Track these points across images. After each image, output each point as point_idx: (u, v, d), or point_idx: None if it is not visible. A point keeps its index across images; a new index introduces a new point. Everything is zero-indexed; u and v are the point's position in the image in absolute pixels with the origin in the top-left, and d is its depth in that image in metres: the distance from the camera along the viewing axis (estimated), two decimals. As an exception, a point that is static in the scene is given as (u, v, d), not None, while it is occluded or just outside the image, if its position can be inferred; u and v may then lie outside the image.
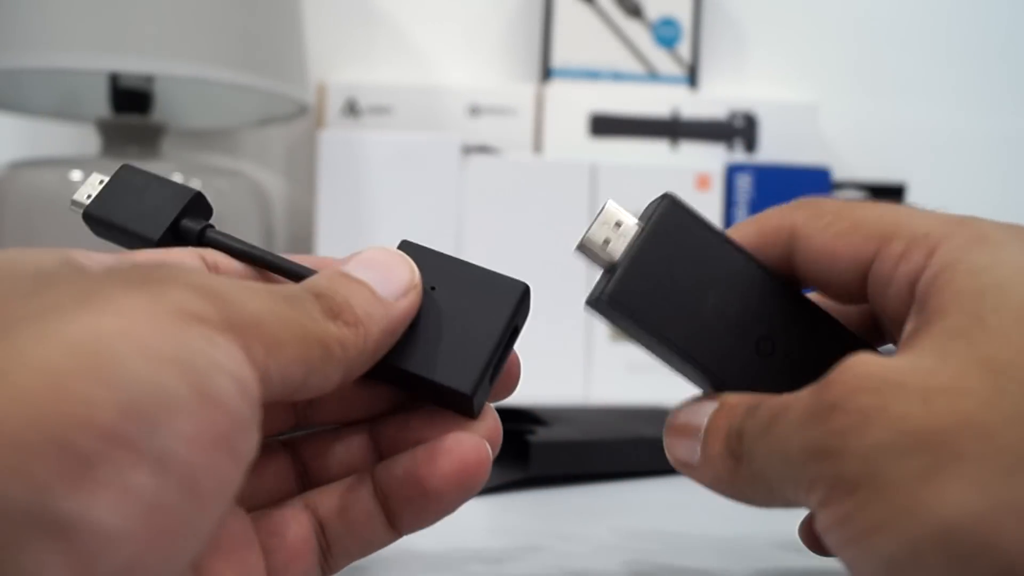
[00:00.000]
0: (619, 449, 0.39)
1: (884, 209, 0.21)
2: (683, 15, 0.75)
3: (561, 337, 0.63)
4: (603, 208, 0.22)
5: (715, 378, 0.22)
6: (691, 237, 0.22)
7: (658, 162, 0.69)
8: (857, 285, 0.21)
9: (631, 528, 0.31)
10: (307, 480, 0.22)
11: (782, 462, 0.18)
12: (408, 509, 0.20)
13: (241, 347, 0.15)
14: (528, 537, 0.30)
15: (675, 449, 0.22)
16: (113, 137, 0.62)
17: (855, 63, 0.81)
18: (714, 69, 0.78)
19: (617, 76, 0.74)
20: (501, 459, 0.40)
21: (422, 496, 0.20)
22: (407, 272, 0.20)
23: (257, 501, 0.21)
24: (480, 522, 0.32)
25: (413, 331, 0.21)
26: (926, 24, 0.81)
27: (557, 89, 0.72)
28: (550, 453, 0.37)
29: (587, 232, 0.22)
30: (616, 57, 0.74)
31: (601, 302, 0.22)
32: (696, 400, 0.22)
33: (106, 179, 0.24)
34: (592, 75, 0.74)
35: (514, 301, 0.21)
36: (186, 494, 0.14)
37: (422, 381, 0.20)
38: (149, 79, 0.62)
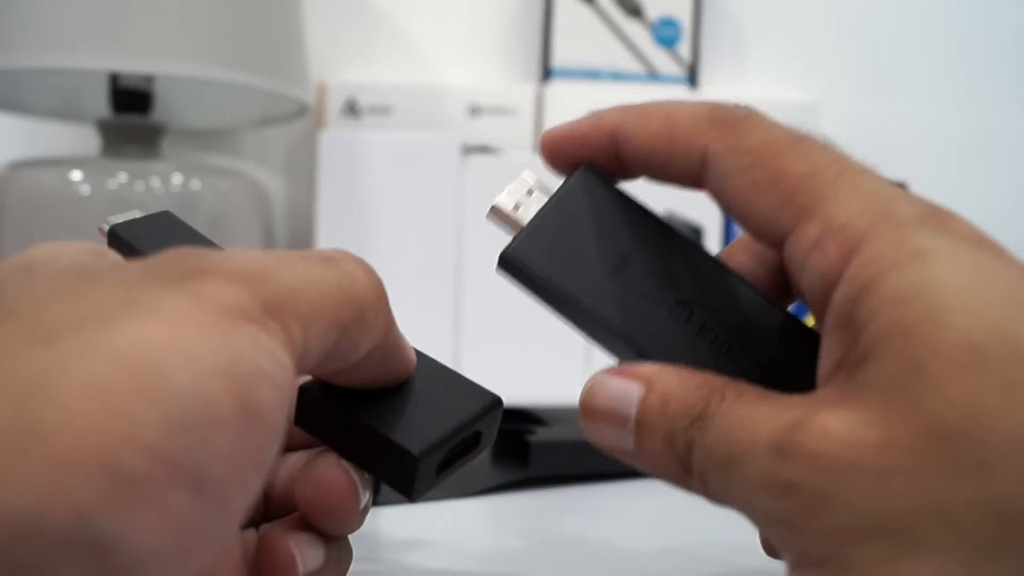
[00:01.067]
0: (619, 449, 0.39)
1: (808, 164, 0.19)
2: (683, 15, 0.75)
3: (561, 337, 0.63)
4: (519, 176, 0.22)
5: (629, 340, 0.21)
6: (603, 203, 0.21)
7: (658, 162, 0.69)
8: (771, 242, 0.19)
9: (631, 528, 0.31)
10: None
11: (744, 506, 0.17)
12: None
13: (283, 330, 0.15)
14: (528, 537, 0.30)
15: (599, 435, 0.20)
16: (113, 137, 0.62)
17: (855, 63, 0.81)
18: (714, 69, 0.78)
19: (617, 76, 0.74)
20: (501, 459, 0.40)
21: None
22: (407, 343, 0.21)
23: None
24: (480, 522, 0.32)
25: (381, 397, 0.21)
26: (926, 24, 0.81)
27: (557, 89, 0.72)
28: (550, 453, 0.37)
29: (498, 196, 0.21)
30: (616, 57, 0.74)
31: (504, 257, 0.21)
32: (614, 374, 0.20)
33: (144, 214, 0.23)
34: (592, 75, 0.74)
35: (482, 405, 0.21)
36: (217, 511, 0.14)
37: (377, 437, 0.20)
38: (149, 79, 0.62)
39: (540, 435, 0.38)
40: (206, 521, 0.14)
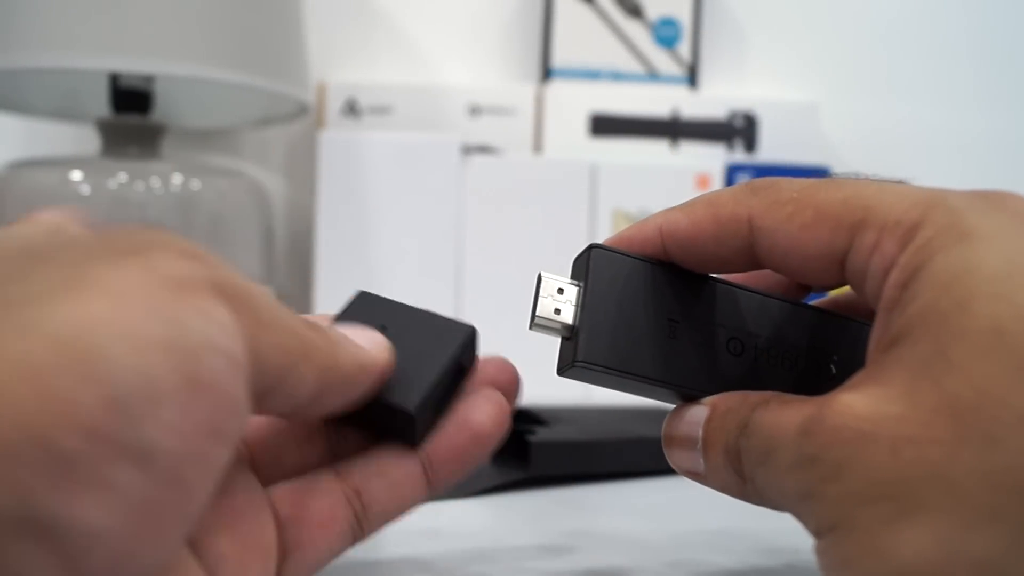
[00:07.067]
0: (619, 449, 0.39)
1: (848, 191, 0.20)
2: (683, 15, 0.75)
3: (561, 337, 0.63)
4: (539, 281, 0.22)
5: (699, 395, 0.22)
6: (627, 275, 0.22)
7: (658, 162, 0.69)
8: (834, 275, 0.20)
9: (631, 528, 0.31)
10: (342, 451, 0.22)
11: (782, 495, 0.19)
12: (449, 456, 0.21)
13: (232, 312, 0.15)
14: (528, 537, 0.30)
15: (678, 460, 0.22)
16: (113, 137, 0.62)
17: (855, 63, 0.81)
18: (714, 69, 0.78)
19: (617, 76, 0.74)
20: (501, 459, 0.40)
21: (471, 438, 0.21)
22: (379, 334, 0.21)
23: (288, 471, 0.21)
24: (480, 522, 0.32)
25: None
26: (926, 24, 0.81)
27: (557, 89, 0.72)
28: (550, 453, 0.37)
29: (536, 309, 0.22)
30: (616, 57, 0.74)
31: (578, 365, 0.22)
32: (685, 407, 0.22)
33: None
34: (592, 75, 0.74)
35: (460, 340, 0.22)
36: (171, 485, 0.14)
37: (372, 404, 0.21)
38: (149, 79, 0.62)
39: (540, 435, 0.38)
40: (159, 496, 0.14)
